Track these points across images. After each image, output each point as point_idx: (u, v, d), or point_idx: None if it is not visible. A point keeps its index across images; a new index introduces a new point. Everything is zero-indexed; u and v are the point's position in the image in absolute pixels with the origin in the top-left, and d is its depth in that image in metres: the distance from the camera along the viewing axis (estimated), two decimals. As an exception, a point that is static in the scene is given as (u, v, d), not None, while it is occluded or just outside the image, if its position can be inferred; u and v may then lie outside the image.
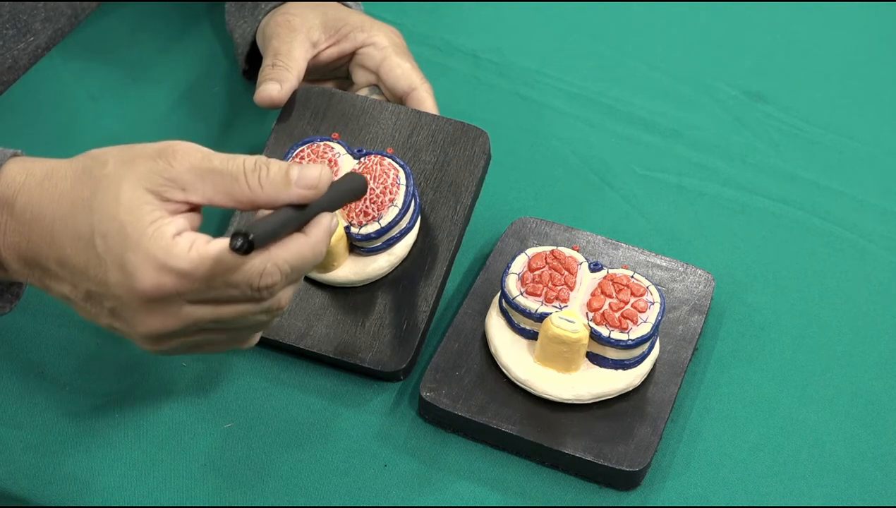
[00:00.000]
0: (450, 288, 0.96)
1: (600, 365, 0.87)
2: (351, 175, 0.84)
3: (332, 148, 0.92)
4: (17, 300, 0.85)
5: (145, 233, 0.72)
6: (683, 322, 0.91)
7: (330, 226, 0.77)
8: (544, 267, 0.89)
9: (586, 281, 0.88)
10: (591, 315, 0.86)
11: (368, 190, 0.90)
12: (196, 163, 0.74)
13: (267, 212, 0.76)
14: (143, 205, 0.73)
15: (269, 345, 0.91)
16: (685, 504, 0.85)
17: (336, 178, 0.90)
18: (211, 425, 0.87)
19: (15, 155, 0.78)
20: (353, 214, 0.90)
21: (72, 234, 0.74)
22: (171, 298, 0.73)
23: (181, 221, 0.74)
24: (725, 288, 0.97)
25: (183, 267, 0.72)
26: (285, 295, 0.77)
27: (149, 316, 0.74)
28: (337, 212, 0.90)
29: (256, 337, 0.81)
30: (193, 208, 0.76)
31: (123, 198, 0.73)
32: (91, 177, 0.74)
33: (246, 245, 0.70)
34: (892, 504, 0.85)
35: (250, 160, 0.75)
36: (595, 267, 0.89)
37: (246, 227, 0.71)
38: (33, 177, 0.76)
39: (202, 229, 0.76)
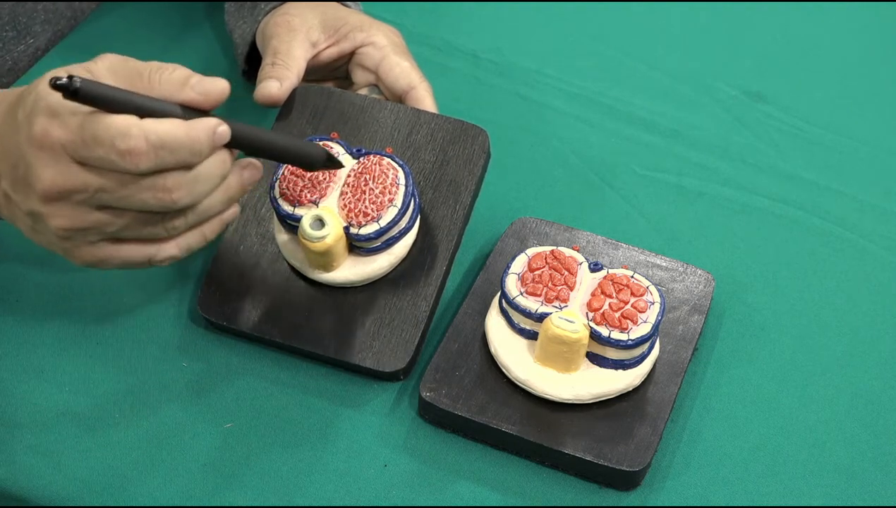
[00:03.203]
0: (450, 288, 0.96)
1: (600, 365, 0.87)
2: (315, 144, 0.87)
3: (332, 147, 0.92)
4: None
5: (53, 95, 0.77)
6: (683, 322, 0.91)
7: (213, 126, 0.78)
8: (544, 267, 0.89)
9: (586, 281, 0.88)
10: (591, 315, 0.86)
11: (368, 190, 0.90)
12: (115, 61, 0.80)
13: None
14: None
15: (270, 345, 0.91)
16: (685, 504, 0.85)
17: (334, 180, 0.91)
18: (211, 425, 0.87)
19: None
20: (353, 214, 0.90)
21: (5, 123, 0.80)
22: (57, 149, 0.77)
23: None
24: (725, 288, 0.97)
25: (64, 115, 0.76)
26: (172, 180, 0.77)
27: (43, 166, 0.77)
28: (336, 209, 0.90)
29: (167, 249, 0.82)
30: None
31: (45, 77, 0.78)
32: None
33: (68, 85, 0.73)
34: (892, 505, 0.85)
35: (163, 64, 0.80)
36: (595, 268, 0.89)
37: (83, 77, 0.75)
38: None
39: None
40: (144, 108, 0.77)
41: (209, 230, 0.83)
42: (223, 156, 0.80)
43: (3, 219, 0.86)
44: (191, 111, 0.79)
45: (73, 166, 0.77)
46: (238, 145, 0.81)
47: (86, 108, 0.76)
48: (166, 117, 0.77)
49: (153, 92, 0.78)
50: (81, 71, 0.78)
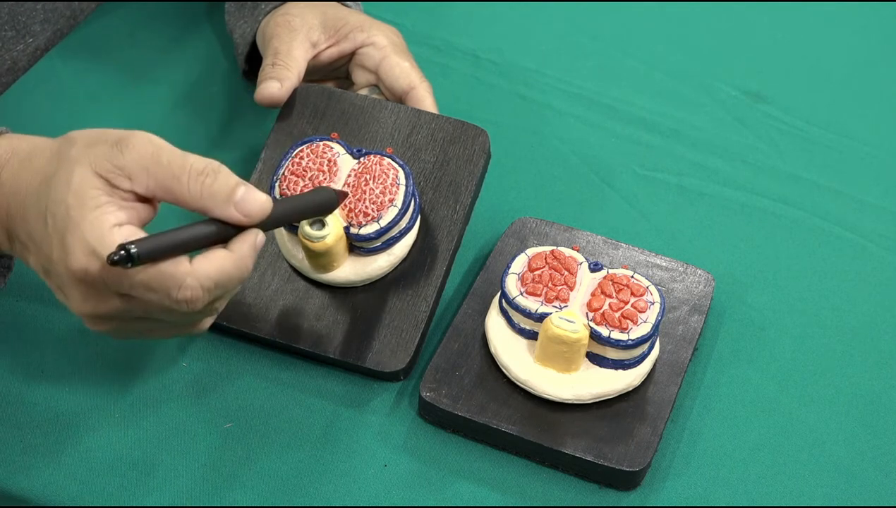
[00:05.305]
0: (450, 288, 0.96)
1: (600, 365, 0.87)
2: (321, 189, 0.87)
3: (332, 147, 0.92)
4: (8, 272, 0.89)
5: (86, 219, 0.73)
6: (683, 322, 0.91)
7: (255, 242, 0.76)
8: (544, 267, 0.89)
9: (586, 281, 0.88)
10: (591, 315, 0.86)
11: (368, 190, 0.90)
12: (145, 155, 0.75)
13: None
14: (91, 190, 0.74)
15: (270, 345, 0.91)
16: (685, 504, 0.85)
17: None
18: (211, 425, 0.87)
19: (1, 133, 0.81)
20: (353, 214, 0.90)
21: (35, 210, 0.76)
22: (99, 285, 0.74)
23: (124, 214, 0.74)
24: (725, 288, 0.97)
25: (105, 258, 0.72)
26: (220, 303, 0.78)
27: (82, 297, 0.75)
28: (336, 211, 0.90)
29: (207, 323, 0.81)
30: (144, 200, 0.76)
31: (74, 180, 0.74)
32: (59, 157, 0.76)
33: (126, 258, 0.71)
34: (892, 505, 0.85)
35: (200, 163, 0.75)
36: (595, 267, 0.89)
37: (135, 241, 0.71)
38: (17, 154, 0.78)
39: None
40: (190, 246, 0.74)
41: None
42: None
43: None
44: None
45: (114, 298, 0.74)
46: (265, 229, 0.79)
47: None
48: (211, 245, 0.75)
49: (190, 199, 0.74)
50: (109, 166, 0.74)
